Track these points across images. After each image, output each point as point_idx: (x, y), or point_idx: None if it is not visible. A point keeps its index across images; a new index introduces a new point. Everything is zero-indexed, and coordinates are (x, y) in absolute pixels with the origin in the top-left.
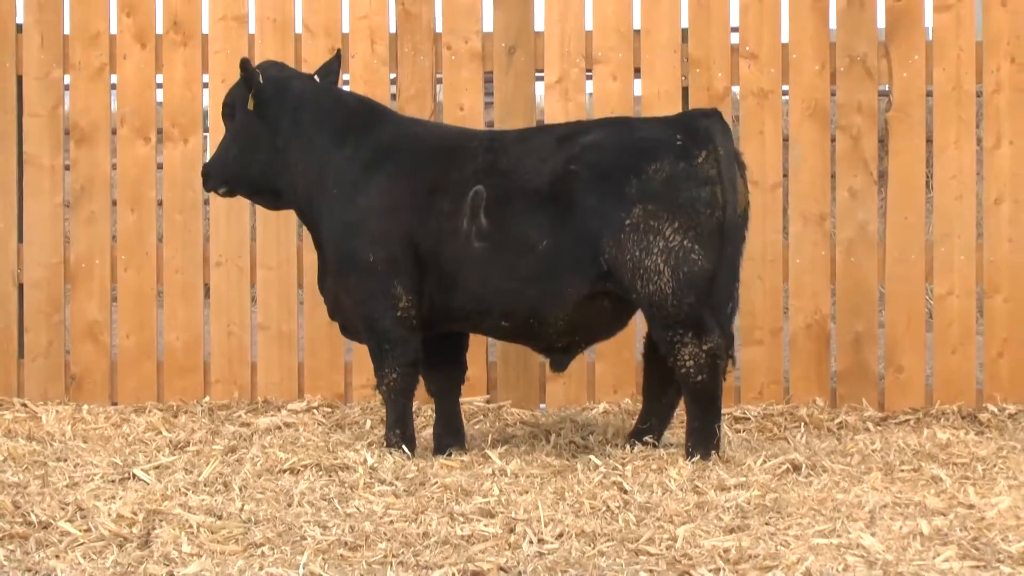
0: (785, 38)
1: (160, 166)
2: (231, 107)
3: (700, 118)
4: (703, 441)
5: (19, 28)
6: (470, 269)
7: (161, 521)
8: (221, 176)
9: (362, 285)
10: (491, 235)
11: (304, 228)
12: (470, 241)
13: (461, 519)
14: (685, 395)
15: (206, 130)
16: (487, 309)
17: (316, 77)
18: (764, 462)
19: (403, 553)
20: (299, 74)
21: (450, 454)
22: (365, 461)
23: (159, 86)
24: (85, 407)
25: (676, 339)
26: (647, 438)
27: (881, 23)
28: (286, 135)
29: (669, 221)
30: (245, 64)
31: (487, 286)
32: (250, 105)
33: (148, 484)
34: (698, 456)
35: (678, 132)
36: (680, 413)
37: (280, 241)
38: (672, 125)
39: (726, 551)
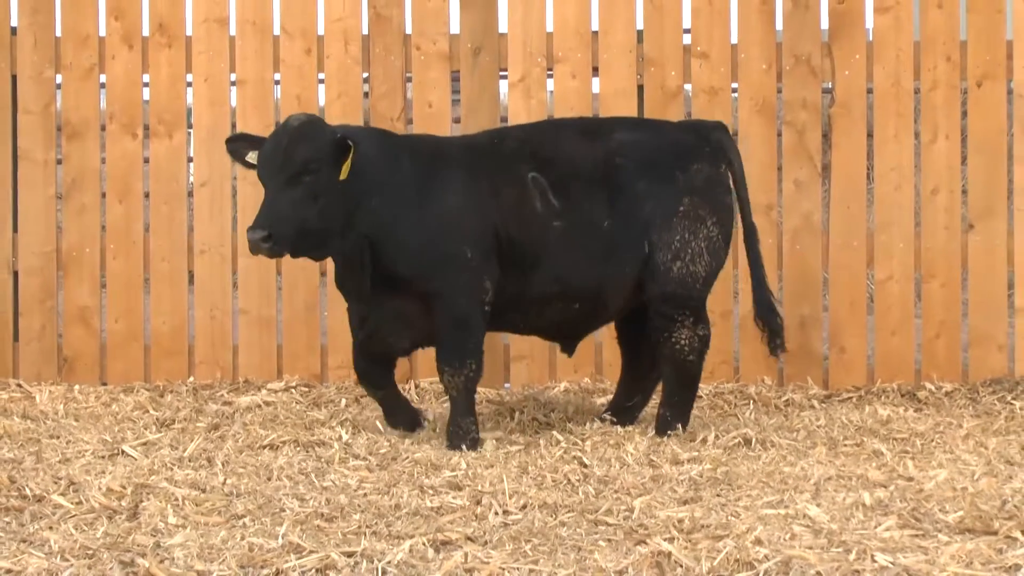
0: (734, 39)
1: (147, 160)
2: (315, 166)
3: (712, 130)
4: (682, 414)
5: (13, 31)
6: (551, 248)
7: (148, 494)
8: (291, 236)
9: (457, 283)
10: (564, 214)
11: None
12: (548, 221)
13: (431, 492)
14: (671, 372)
15: (190, 126)
16: (563, 290)
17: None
18: (716, 437)
19: (376, 524)
20: (359, 129)
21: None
22: (340, 437)
23: (145, 85)
24: (76, 387)
25: (679, 320)
26: (606, 414)
27: (824, 24)
28: (360, 189)
29: (709, 214)
30: (346, 141)
31: (568, 263)
32: (344, 175)
33: (136, 460)
34: (679, 426)
35: (701, 140)
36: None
37: None
38: (690, 132)
39: (680, 521)
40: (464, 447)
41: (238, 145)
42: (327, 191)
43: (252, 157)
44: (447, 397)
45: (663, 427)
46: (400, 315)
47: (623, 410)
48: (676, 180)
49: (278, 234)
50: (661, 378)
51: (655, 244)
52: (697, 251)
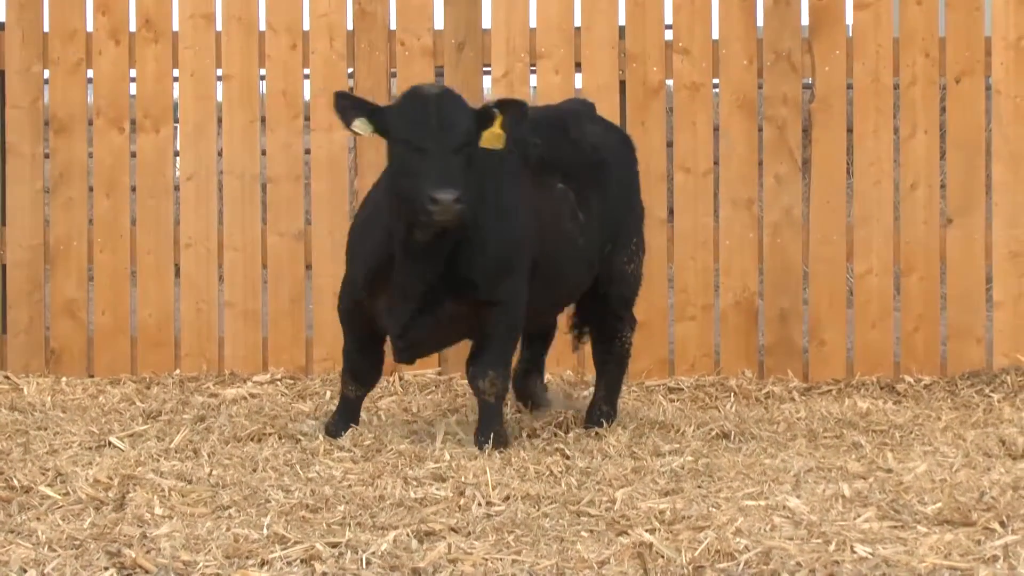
0: (715, 35)
1: (133, 155)
2: (473, 137)
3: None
4: (616, 407)
5: (1, 26)
6: (566, 258)
7: (135, 485)
8: (471, 201)
9: (518, 293)
10: (584, 225)
11: (268, 212)
12: (575, 235)
13: (415, 483)
14: (616, 369)
15: (176, 121)
16: (556, 301)
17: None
18: (696, 429)
19: (360, 515)
20: None
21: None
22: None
23: (132, 80)
24: (64, 379)
25: (626, 319)
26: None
27: (805, 20)
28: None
29: (642, 214)
30: (491, 109)
31: (569, 273)
32: (492, 142)
33: (123, 451)
34: (612, 413)
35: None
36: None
37: (246, 224)
38: (615, 128)
39: (661, 512)
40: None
41: (347, 106)
42: (473, 165)
43: (359, 126)
44: (480, 401)
45: (599, 419)
46: (451, 319)
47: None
48: (631, 178)
49: (464, 197)
50: (605, 374)
51: (616, 246)
52: (641, 251)
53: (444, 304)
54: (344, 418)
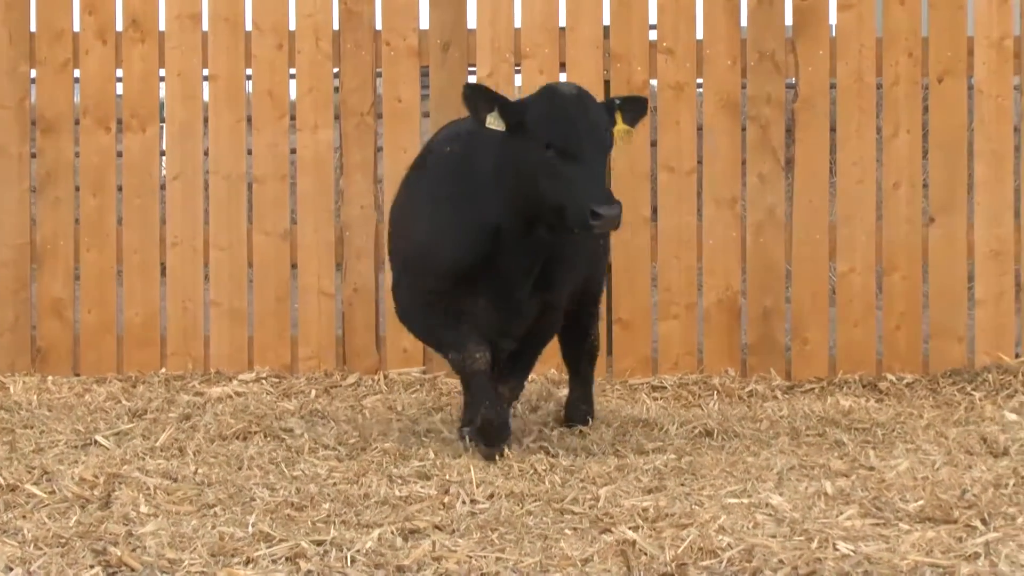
0: (700, 35)
1: (120, 154)
2: (612, 140)
3: None
4: (593, 397)
5: None
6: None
7: (120, 484)
8: None
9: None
10: None
11: (254, 211)
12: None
13: (399, 481)
14: (590, 365)
15: (162, 120)
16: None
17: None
18: (679, 428)
19: (345, 513)
20: None
21: None
22: (312, 427)
23: (119, 80)
24: (50, 378)
25: (595, 316)
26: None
27: (788, 21)
28: None
29: None
30: (615, 103)
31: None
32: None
33: (108, 449)
34: (591, 410)
35: None
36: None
37: (232, 224)
38: None
39: (645, 510)
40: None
41: (477, 99)
42: None
43: (493, 121)
44: (514, 400)
45: (584, 417)
46: (531, 316)
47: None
48: None
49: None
50: (580, 372)
51: (601, 245)
52: (609, 245)
53: (532, 300)
54: (483, 399)
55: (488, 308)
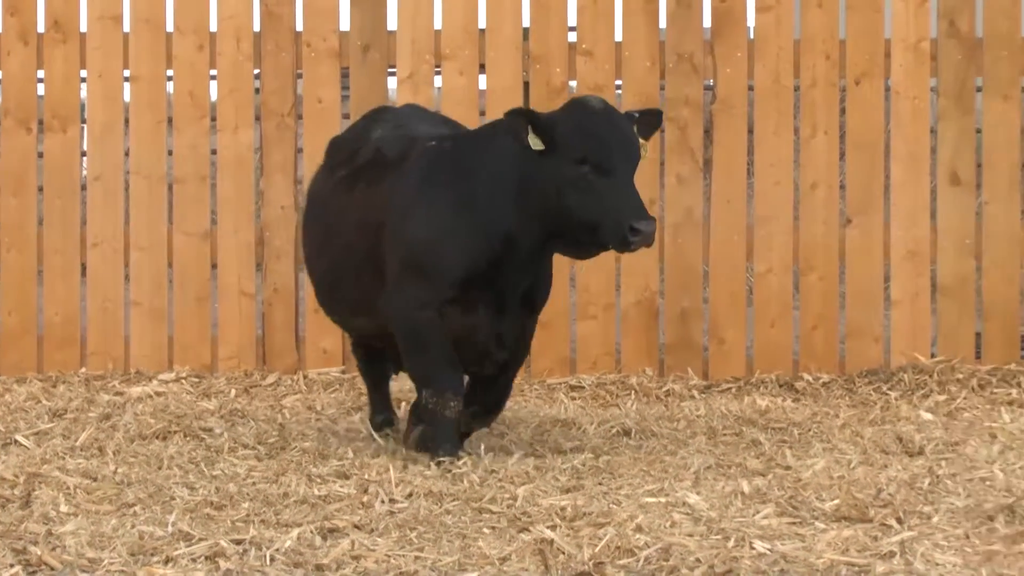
0: (619, 37)
1: (41, 155)
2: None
3: None
4: None
5: None
6: None
7: (41, 483)
8: None
9: None
10: None
11: (175, 211)
12: None
13: (318, 480)
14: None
15: (83, 121)
16: None
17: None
18: (598, 427)
19: (265, 512)
20: None
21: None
22: (232, 426)
23: (40, 80)
24: None
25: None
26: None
27: (707, 23)
28: None
29: None
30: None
31: None
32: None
33: (28, 449)
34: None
35: None
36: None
37: (152, 224)
38: None
39: (563, 509)
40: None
41: (518, 123)
42: None
43: (533, 141)
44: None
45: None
46: (513, 341)
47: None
48: None
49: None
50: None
51: None
52: None
53: (519, 313)
54: (452, 435)
55: (484, 326)
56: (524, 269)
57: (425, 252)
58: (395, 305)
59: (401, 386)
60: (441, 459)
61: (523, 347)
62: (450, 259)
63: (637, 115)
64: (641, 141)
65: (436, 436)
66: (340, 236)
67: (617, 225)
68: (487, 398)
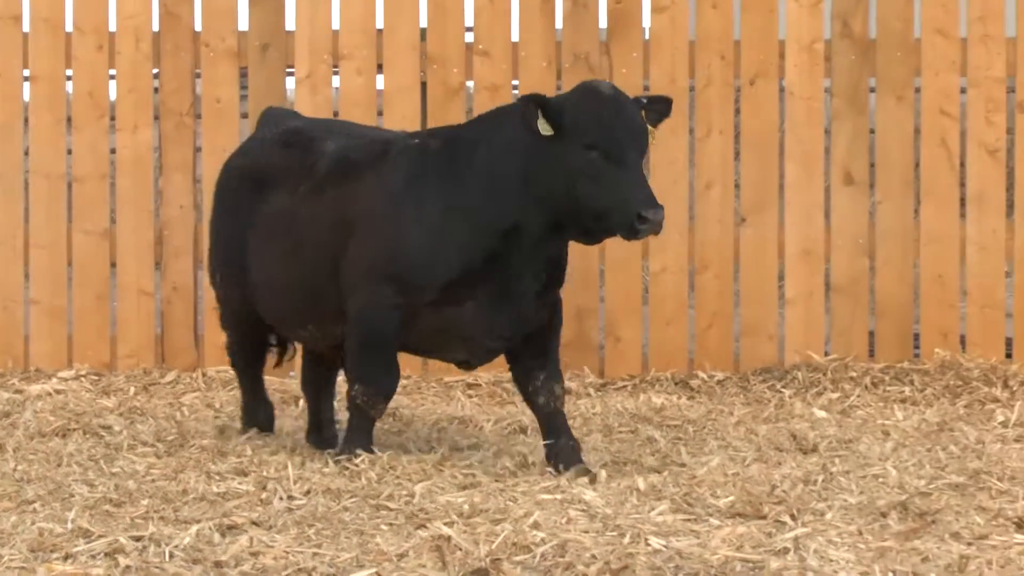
0: (515, 37)
1: None
2: None
3: None
4: None
5: None
6: None
7: None
8: None
9: None
10: None
11: (74, 210)
12: None
13: (217, 477)
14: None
15: None
16: None
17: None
18: (494, 424)
19: (164, 509)
20: None
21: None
22: (131, 424)
23: None
24: None
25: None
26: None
27: (603, 24)
28: None
29: None
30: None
31: None
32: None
33: None
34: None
35: None
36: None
37: (51, 223)
38: None
39: (460, 506)
40: None
41: (530, 107)
42: None
43: (542, 126)
44: (555, 410)
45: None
46: (532, 324)
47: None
48: None
49: None
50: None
51: None
52: None
53: (533, 298)
54: (368, 439)
55: (479, 311)
56: (531, 257)
57: (403, 254)
58: (361, 302)
59: None
60: (340, 458)
61: (558, 322)
62: (435, 263)
63: (645, 101)
64: (649, 128)
65: (353, 434)
66: (311, 242)
67: (626, 213)
68: (549, 378)
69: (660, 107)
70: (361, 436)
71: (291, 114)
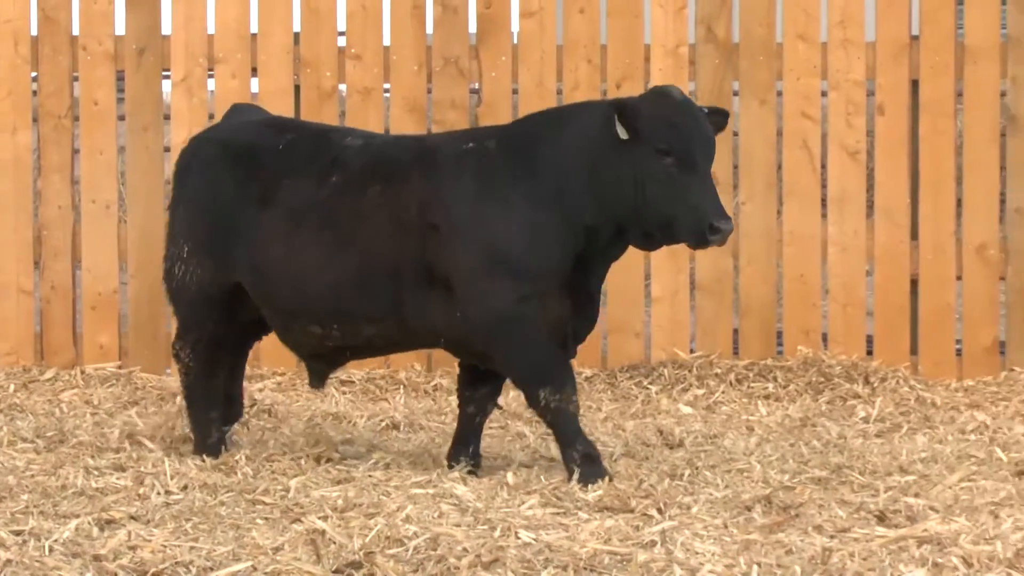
0: (387, 41)
1: None
2: None
3: None
4: None
5: None
6: None
7: None
8: None
9: None
10: None
11: None
12: None
13: (96, 473)
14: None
15: None
16: None
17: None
18: (367, 420)
19: (43, 504)
20: None
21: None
22: (11, 420)
23: None
24: None
25: None
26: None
27: (473, 28)
28: None
29: None
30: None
31: None
32: None
33: None
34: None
35: None
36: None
37: None
38: None
39: (334, 500)
40: None
41: (612, 111)
42: None
43: (620, 130)
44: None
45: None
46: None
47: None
48: None
49: None
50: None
51: None
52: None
53: (596, 303)
54: (579, 439)
55: (566, 318)
56: (602, 259)
57: (512, 247)
58: (487, 305)
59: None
60: (580, 464)
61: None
62: (540, 251)
63: (706, 111)
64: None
65: (572, 438)
66: (357, 244)
67: (698, 222)
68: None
69: (718, 120)
70: (576, 434)
71: (258, 110)
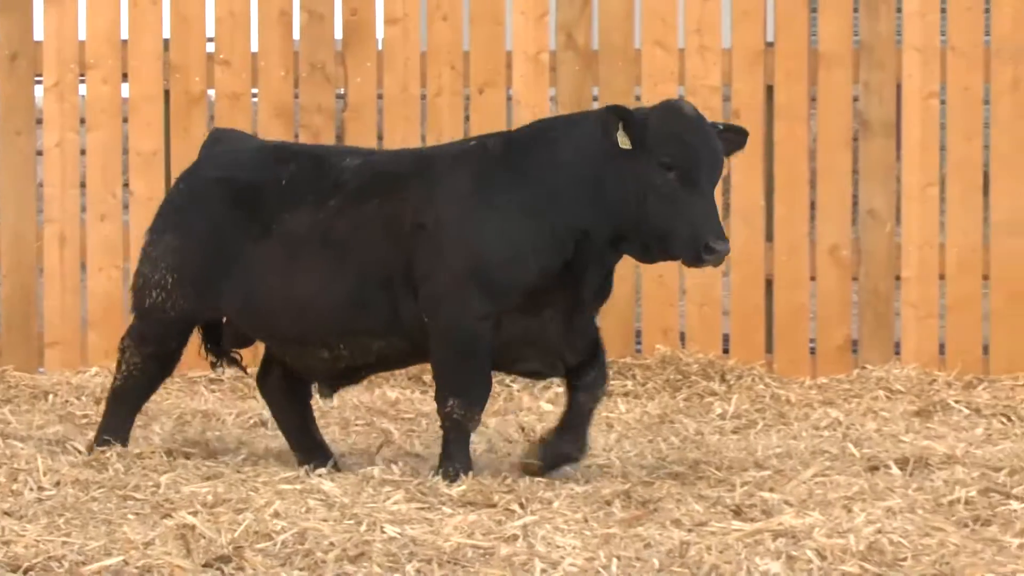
0: (255, 47)
1: None
2: None
3: None
4: None
5: None
6: None
7: None
8: None
9: None
10: None
11: None
12: None
13: None
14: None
15: None
16: None
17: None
18: (236, 418)
19: None
20: None
21: None
22: None
23: None
24: None
25: None
26: None
27: (339, 35)
28: None
29: None
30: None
31: None
32: None
33: None
34: None
35: None
36: None
37: None
38: None
39: (204, 496)
40: None
41: (609, 119)
42: None
43: (622, 140)
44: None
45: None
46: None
47: None
48: None
49: None
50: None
51: None
52: None
53: (595, 308)
54: (468, 453)
55: (555, 325)
56: (597, 268)
57: (492, 260)
58: (449, 313)
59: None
60: (452, 477)
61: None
62: (520, 266)
63: (721, 127)
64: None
65: (453, 449)
66: (353, 258)
67: (694, 240)
68: (596, 380)
69: (735, 139)
70: (461, 451)
71: (241, 135)
